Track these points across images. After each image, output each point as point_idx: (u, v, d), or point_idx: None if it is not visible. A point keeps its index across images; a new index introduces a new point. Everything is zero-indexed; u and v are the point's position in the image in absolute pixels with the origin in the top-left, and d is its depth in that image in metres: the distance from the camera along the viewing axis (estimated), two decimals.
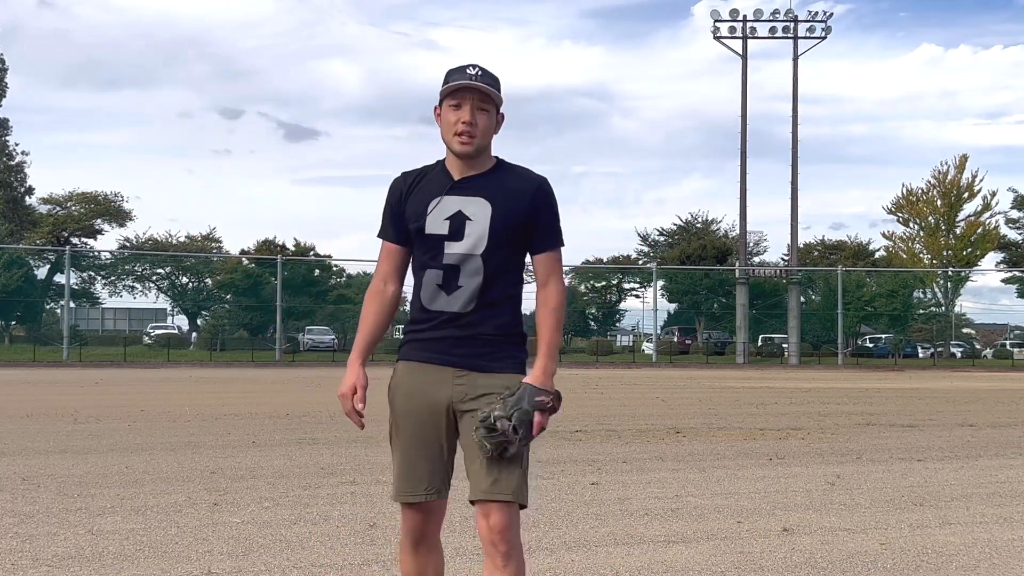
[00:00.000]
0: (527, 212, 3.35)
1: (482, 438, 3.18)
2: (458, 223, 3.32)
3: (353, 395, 3.39)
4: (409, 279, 3.56)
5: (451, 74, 3.36)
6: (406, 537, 3.45)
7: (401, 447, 3.41)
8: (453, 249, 3.32)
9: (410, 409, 3.39)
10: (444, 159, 3.45)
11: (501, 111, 3.43)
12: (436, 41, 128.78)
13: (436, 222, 3.33)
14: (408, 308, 3.50)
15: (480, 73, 3.34)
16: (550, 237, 3.41)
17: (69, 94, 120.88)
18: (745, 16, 56.47)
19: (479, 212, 3.32)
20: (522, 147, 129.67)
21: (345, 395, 3.40)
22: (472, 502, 3.31)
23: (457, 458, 3.45)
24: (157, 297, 69.24)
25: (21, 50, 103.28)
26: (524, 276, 3.50)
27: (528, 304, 4.08)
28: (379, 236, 3.52)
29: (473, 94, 3.32)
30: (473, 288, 3.31)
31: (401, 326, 4.47)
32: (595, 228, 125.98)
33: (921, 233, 68.18)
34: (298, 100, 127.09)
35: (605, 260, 75.16)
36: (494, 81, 3.36)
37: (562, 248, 3.45)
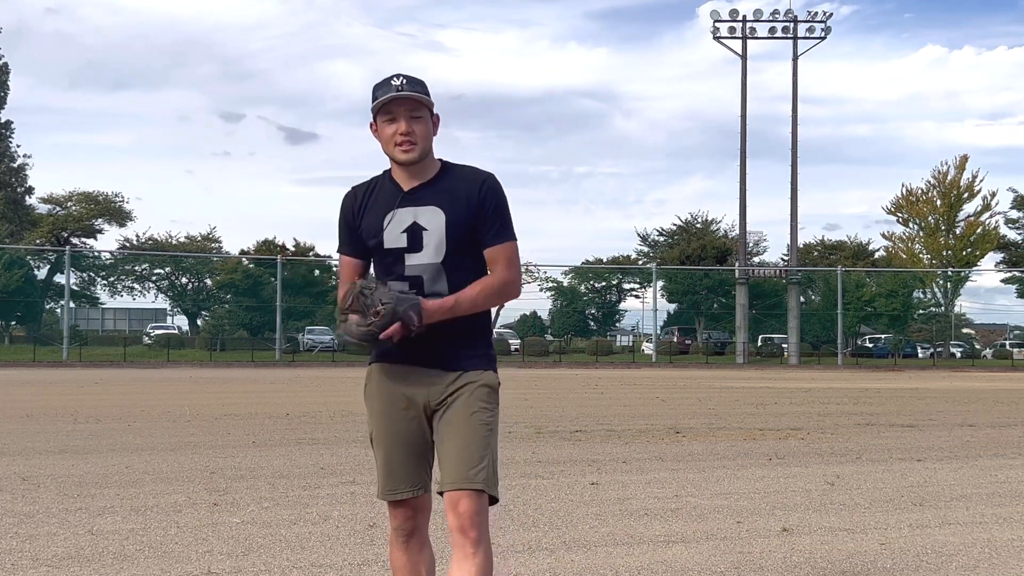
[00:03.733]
0: (475, 209, 3.39)
1: (354, 293, 3.26)
2: (415, 235, 3.37)
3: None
4: None
5: (377, 89, 3.39)
6: (396, 534, 3.51)
7: (383, 447, 3.47)
8: (414, 260, 3.38)
9: (388, 410, 3.46)
10: (389, 170, 3.49)
11: (435, 113, 3.46)
12: (442, 42, 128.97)
13: (393, 236, 3.39)
14: None
15: (405, 82, 3.37)
16: (499, 231, 3.42)
17: (74, 95, 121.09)
18: (745, 16, 56.50)
19: (433, 221, 3.36)
20: (525, 148, 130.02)
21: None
22: (441, 493, 3.34)
23: None
24: (156, 297, 69.37)
25: (27, 52, 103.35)
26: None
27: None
28: (339, 251, 3.59)
29: (403, 104, 3.36)
30: (439, 295, 3.37)
31: None
32: (597, 228, 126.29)
33: (921, 233, 68.19)
34: (302, 101, 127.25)
35: (605, 260, 75.18)
36: (421, 87, 3.39)
37: (515, 242, 3.46)
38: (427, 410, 3.43)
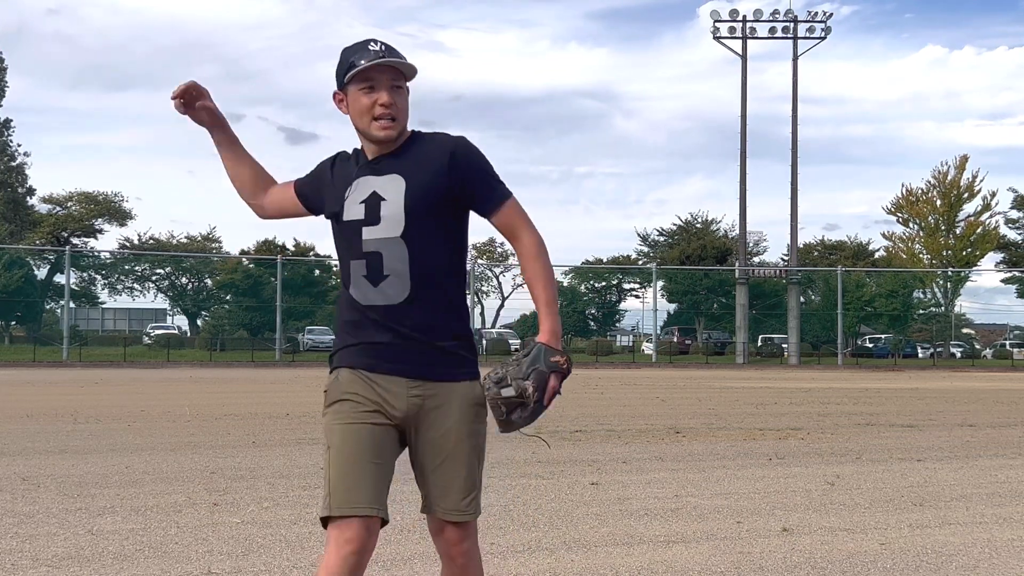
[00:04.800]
0: (447, 179, 3.01)
1: (496, 398, 2.97)
2: (373, 205, 3.02)
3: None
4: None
5: (352, 53, 3.03)
6: (341, 565, 2.90)
7: (346, 459, 2.98)
8: (371, 235, 3.02)
9: (357, 421, 3.00)
10: (360, 147, 3.18)
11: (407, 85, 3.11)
12: (442, 43, 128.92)
13: (352, 207, 3.05)
14: (338, 308, 3.19)
15: (385, 48, 3.01)
16: (493, 191, 3.08)
17: (75, 96, 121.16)
18: (745, 16, 56.51)
19: (392, 190, 3.01)
20: (525, 148, 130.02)
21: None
22: (424, 511, 3.13)
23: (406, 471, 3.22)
24: (156, 297, 69.37)
25: (28, 52, 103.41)
26: (466, 258, 3.24)
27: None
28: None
29: (386, 72, 3.00)
30: (401, 274, 3.00)
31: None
32: (597, 228, 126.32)
33: (921, 233, 68.19)
34: (302, 101, 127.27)
35: (605, 260, 75.18)
36: (401, 57, 3.05)
37: (514, 197, 3.12)
38: (403, 425, 3.05)
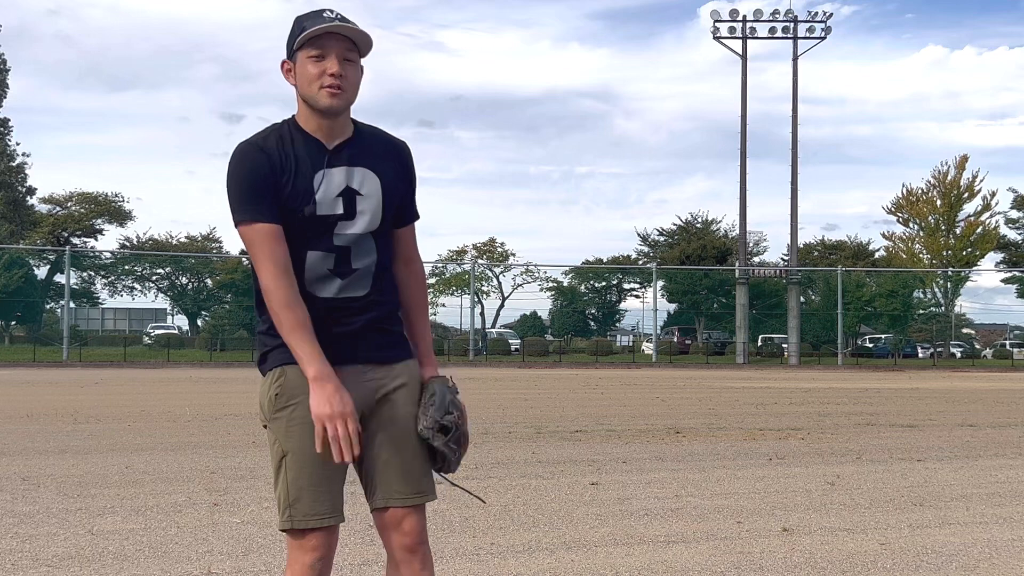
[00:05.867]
0: (404, 182, 3.02)
1: (444, 446, 2.97)
2: (349, 200, 2.89)
3: (354, 414, 2.82)
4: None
5: (305, 20, 2.88)
6: (309, 572, 2.87)
7: (309, 464, 2.86)
8: (347, 230, 2.89)
9: (309, 421, 2.84)
10: (290, 120, 2.95)
11: (362, 64, 2.95)
12: (443, 43, 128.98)
13: (327, 200, 2.87)
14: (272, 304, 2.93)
15: (341, 16, 2.88)
16: (414, 207, 3.10)
17: (75, 96, 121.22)
18: (745, 16, 56.51)
19: (368, 186, 2.92)
20: (526, 148, 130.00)
21: (345, 413, 2.80)
22: (375, 509, 2.98)
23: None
24: (156, 297, 69.36)
25: (28, 53, 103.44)
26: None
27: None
28: (248, 220, 2.84)
29: (338, 41, 2.86)
30: (368, 270, 2.93)
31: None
32: (597, 228, 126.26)
33: (921, 233, 68.18)
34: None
35: (605, 260, 75.16)
36: (358, 29, 2.89)
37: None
38: (359, 416, 2.89)
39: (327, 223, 2.87)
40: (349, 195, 2.90)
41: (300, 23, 2.88)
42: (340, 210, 2.88)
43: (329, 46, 2.85)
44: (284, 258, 2.84)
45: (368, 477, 2.98)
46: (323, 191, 2.86)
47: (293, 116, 2.96)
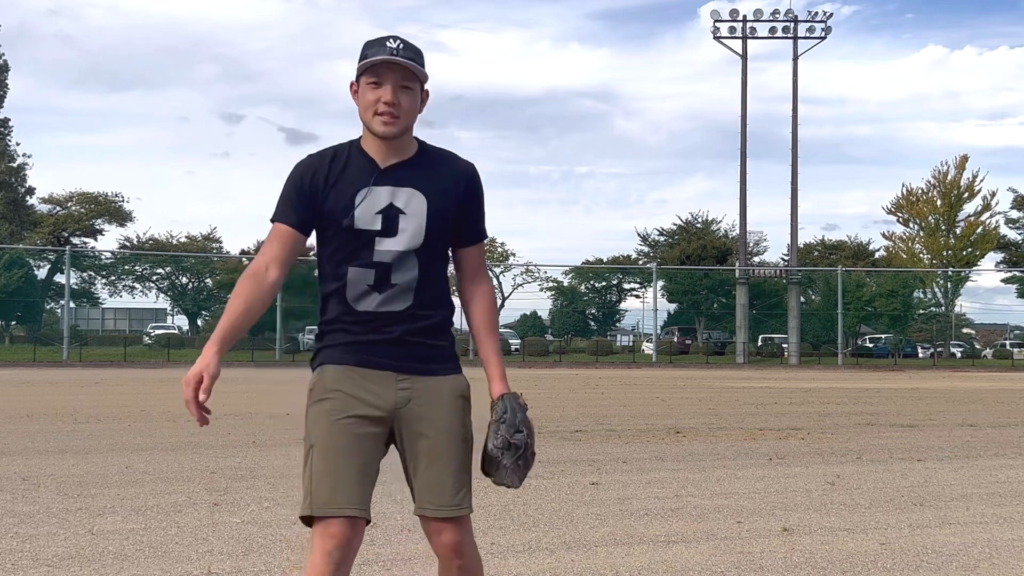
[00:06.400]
0: (460, 201, 3.10)
1: (512, 463, 3.10)
2: (391, 217, 3.02)
3: (199, 384, 2.94)
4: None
5: (368, 47, 3.00)
6: (326, 562, 2.92)
7: (331, 458, 2.97)
8: (387, 246, 3.01)
9: (343, 419, 3.00)
10: (358, 140, 3.11)
11: (426, 88, 3.08)
12: (444, 43, 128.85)
13: (367, 216, 3.00)
14: (324, 307, 3.17)
15: (402, 46, 2.98)
16: (479, 228, 3.18)
17: (75, 96, 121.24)
18: (745, 16, 56.51)
19: (413, 205, 3.03)
20: (526, 148, 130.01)
21: (188, 382, 2.94)
22: (416, 514, 3.09)
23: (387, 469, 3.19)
24: (157, 297, 69.36)
25: (28, 53, 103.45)
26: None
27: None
28: (274, 219, 3.10)
29: (395, 71, 2.98)
30: (408, 286, 3.04)
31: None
32: (597, 228, 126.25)
33: (921, 233, 68.18)
34: (303, 102, 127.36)
35: (605, 260, 75.15)
36: (417, 55, 3.01)
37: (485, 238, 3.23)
38: (390, 421, 3.04)
39: (365, 237, 3.01)
40: (391, 213, 3.02)
41: (364, 50, 3.02)
42: (378, 226, 3.01)
43: (386, 75, 2.98)
44: (275, 254, 3.08)
45: (409, 483, 3.10)
46: (363, 207, 3.01)
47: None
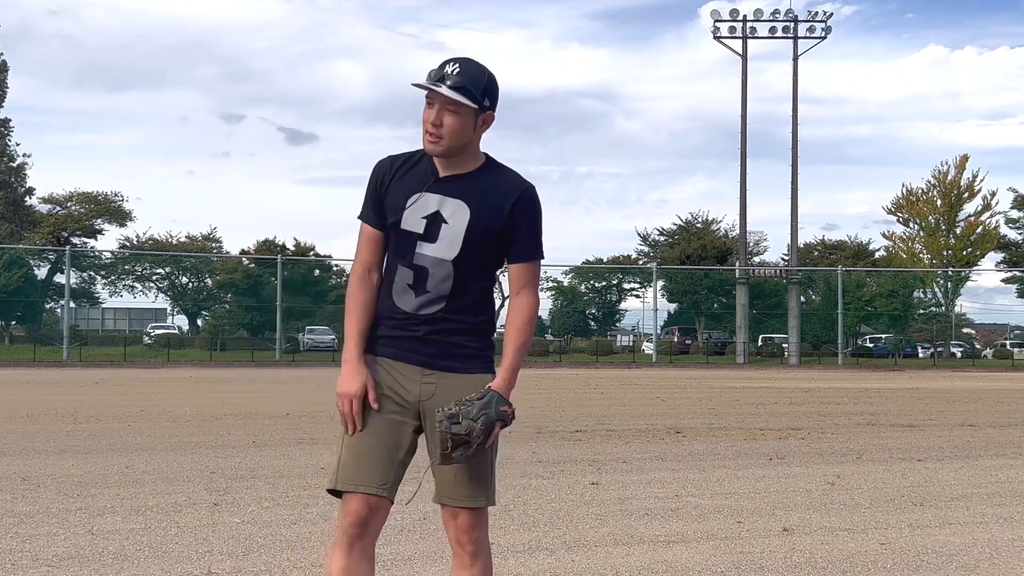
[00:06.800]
0: (506, 219, 3.21)
1: (445, 432, 3.09)
2: (434, 224, 3.19)
3: (358, 395, 3.20)
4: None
5: (433, 70, 3.21)
6: (343, 534, 3.21)
7: (359, 438, 3.23)
8: (425, 250, 3.20)
9: (376, 407, 3.23)
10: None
11: (488, 111, 3.20)
12: (444, 43, 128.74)
13: (413, 219, 3.20)
14: (379, 297, 3.33)
15: (455, 73, 3.14)
16: (528, 248, 3.26)
17: (76, 96, 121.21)
18: (745, 16, 56.50)
19: (456, 216, 3.18)
20: (526, 148, 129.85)
21: (350, 394, 3.20)
22: (438, 503, 3.27)
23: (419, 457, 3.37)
24: (157, 297, 69.35)
25: (29, 53, 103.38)
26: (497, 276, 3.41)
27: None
28: (360, 218, 3.34)
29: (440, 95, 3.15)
30: (442, 292, 3.20)
31: None
32: (598, 228, 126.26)
33: (921, 233, 68.17)
34: (303, 102, 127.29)
35: (605, 260, 75.13)
36: (472, 81, 3.14)
37: (541, 260, 3.32)
38: (418, 412, 3.24)
39: (409, 238, 3.21)
40: (435, 220, 3.20)
41: (430, 72, 3.22)
42: (420, 230, 3.20)
43: (436, 96, 3.15)
44: (369, 259, 3.32)
45: (433, 475, 3.26)
46: (412, 210, 3.21)
47: None
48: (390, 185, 3.26)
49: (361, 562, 3.21)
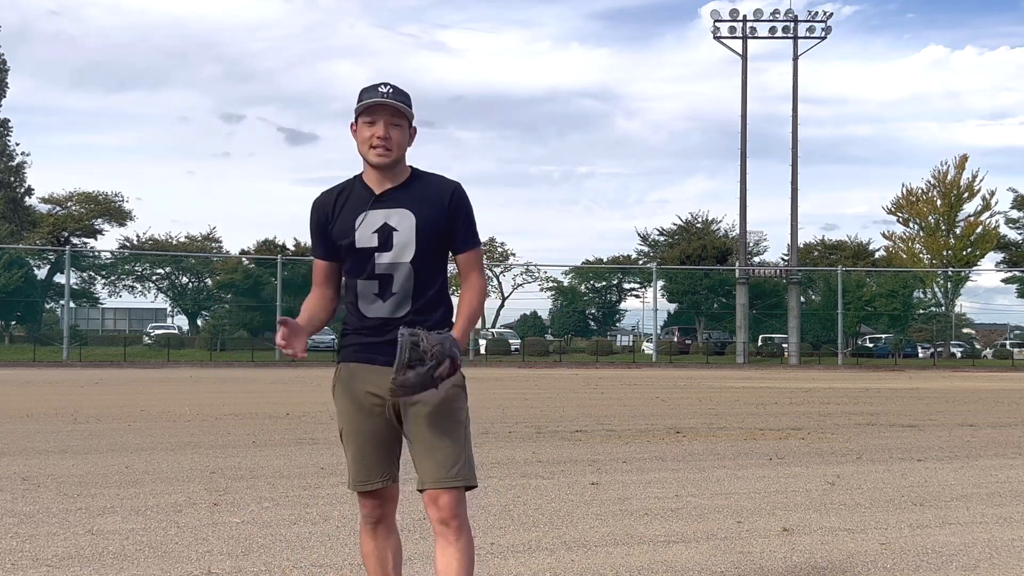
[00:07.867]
0: (447, 216, 3.59)
1: (405, 342, 3.30)
2: (385, 235, 3.55)
3: (286, 323, 3.50)
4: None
5: (364, 92, 3.57)
6: (366, 522, 3.74)
7: (354, 443, 3.67)
8: (383, 259, 3.55)
9: (357, 408, 3.65)
10: (361, 174, 3.67)
11: (414, 125, 3.64)
12: (444, 43, 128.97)
13: (365, 236, 3.56)
14: (346, 314, 3.72)
15: (391, 91, 3.56)
16: (470, 236, 3.67)
17: (76, 96, 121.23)
18: (745, 16, 56.49)
19: (403, 223, 3.55)
20: (526, 148, 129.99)
21: (281, 323, 3.51)
22: (419, 490, 3.54)
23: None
24: (157, 297, 69.34)
25: (29, 53, 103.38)
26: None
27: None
28: (313, 254, 3.76)
29: (386, 110, 3.53)
30: (407, 292, 3.56)
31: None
32: (598, 228, 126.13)
33: (921, 233, 68.17)
34: (303, 102, 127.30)
35: (605, 260, 75.14)
36: (405, 98, 3.59)
37: (481, 247, 3.73)
38: (395, 406, 3.58)
39: (365, 254, 3.57)
40: (385, 231, 3.56)
41: (360, 96, 3.58)
42: (375, 243, 3.56)
43: (379, 114, 3.54)
44: (320, 280, 3.74)
45: (414, 463, 3.60)
46: (361, 229, 3.57)
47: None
48: (338, 216, 3.62)
49: (388, 537, 3.76)
